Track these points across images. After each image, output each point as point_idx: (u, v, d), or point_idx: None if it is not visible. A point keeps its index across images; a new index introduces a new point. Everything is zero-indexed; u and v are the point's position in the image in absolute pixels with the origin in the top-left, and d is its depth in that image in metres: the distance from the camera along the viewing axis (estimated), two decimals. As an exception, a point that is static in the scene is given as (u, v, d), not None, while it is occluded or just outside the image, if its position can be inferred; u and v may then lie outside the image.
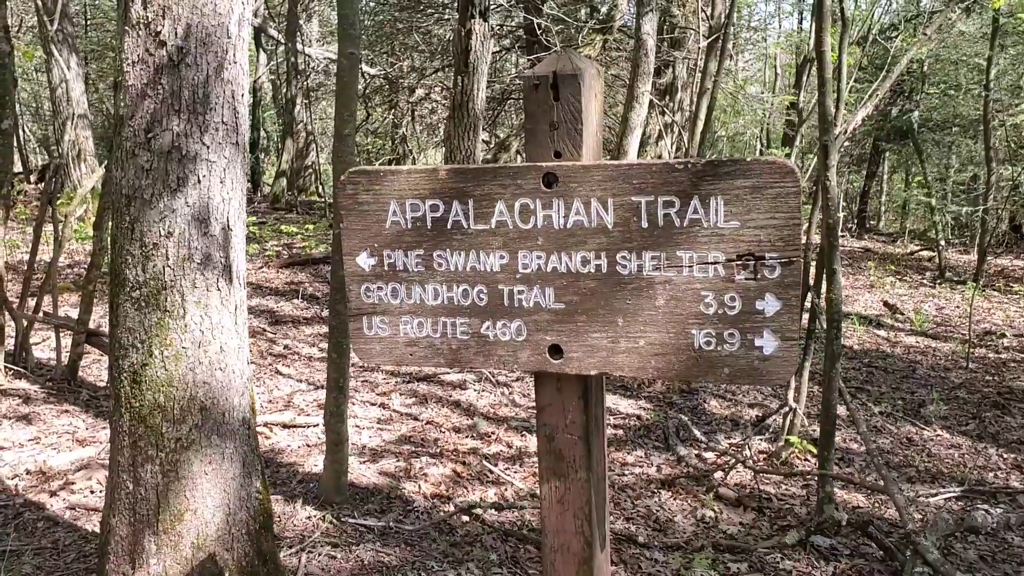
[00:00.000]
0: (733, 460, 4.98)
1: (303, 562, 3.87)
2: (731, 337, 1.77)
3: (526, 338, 1.97)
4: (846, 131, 4.94)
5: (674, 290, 1.80)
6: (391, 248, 2.03)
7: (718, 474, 4.98)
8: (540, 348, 1.96)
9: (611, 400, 6.54)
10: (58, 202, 7.65)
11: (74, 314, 6.89)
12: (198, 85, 2.88)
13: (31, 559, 3.82)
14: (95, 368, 6.43)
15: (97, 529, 4.17)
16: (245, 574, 3.25)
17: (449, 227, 1.98)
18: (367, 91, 17.42)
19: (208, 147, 2.92)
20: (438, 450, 5.31)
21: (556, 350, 1.95)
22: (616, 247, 1.83)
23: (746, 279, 1.74)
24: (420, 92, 17.14)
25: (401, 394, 6.47)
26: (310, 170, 18.89)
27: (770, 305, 1.74)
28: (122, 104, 2.89)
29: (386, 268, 2.05)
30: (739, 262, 1.75)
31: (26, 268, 6.12)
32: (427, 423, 5.83)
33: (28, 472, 4.67)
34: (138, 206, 2.91)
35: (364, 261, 2.06)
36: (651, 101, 9.38)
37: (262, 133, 20.55)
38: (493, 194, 1.92)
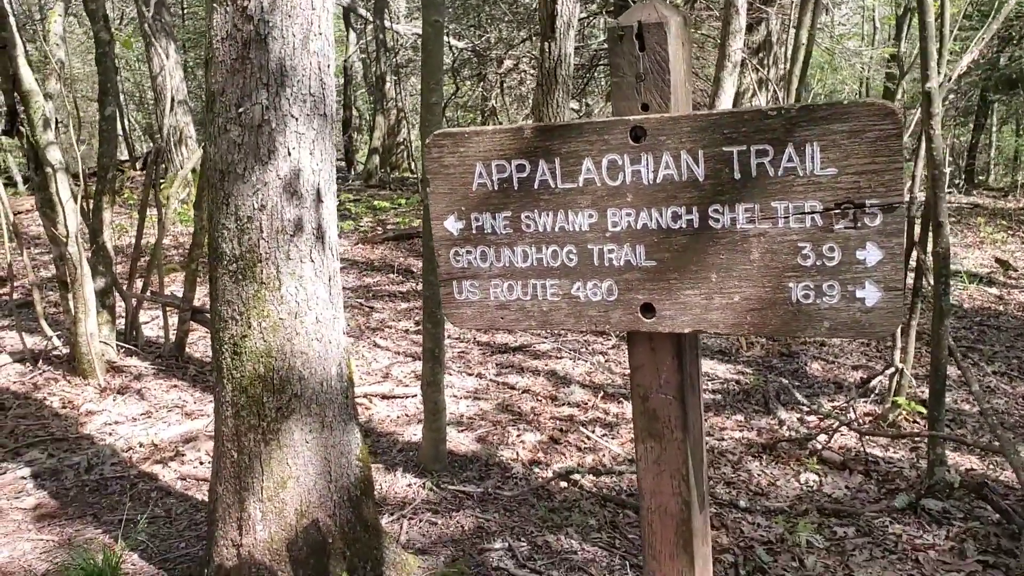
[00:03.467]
0: (837, 423, 4.83)
1: (404, 528, 3.94)
2: (831, 289, 1.69)
3: (617, 298, 1.92)
4: (950, 78, 4.69)
5: (769, 243, 1.73)
6: (478, 210, 2.01)
7: (821, 437, 4.85)
8: (632, 307, 1.91)
9: (708, 365, 6.43)
10: (161, 186, 7.91)
11: (179, 293, 7.14)
12: (285, 57, 2.90)
13: (146, 527, 3.99)
14: (201, 344, 6.65)
15: (206, 498, 4.33)
16: (348, 540, 3.32)
17: (536, 187, 1.94)
18: (455, 64, 17.45)
19: (297, 119, 2.96)
20: (534, 418, 5.32)
21: (648, 309, 1.90)
22: (708, 200, 1.76)
23: (845, 228, 1.66)
24: (508, 63, 17.05)
25: (496, 364, 6.50)
26: (402, 147, 19.08)
27: (871, 255, 1.65)
28: (212, 81, 2.94)
29: (474, 231, 2.03)
30: (838, 211, 1.66)
31: (133, 250, 6.35)
32: (523, 392, 5.84)
33: (141, 445, 4.86)
34: (231, 180, 2.97)
35: (452, 225, 2.04)
36: (743, 60, 9.11)
37: (354, 112, 20.78)
38: (580, 151, 1.88)
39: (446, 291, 2.09)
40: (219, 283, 3.08)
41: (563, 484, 4.39)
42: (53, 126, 5.23)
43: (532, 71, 16.52)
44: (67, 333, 6.46)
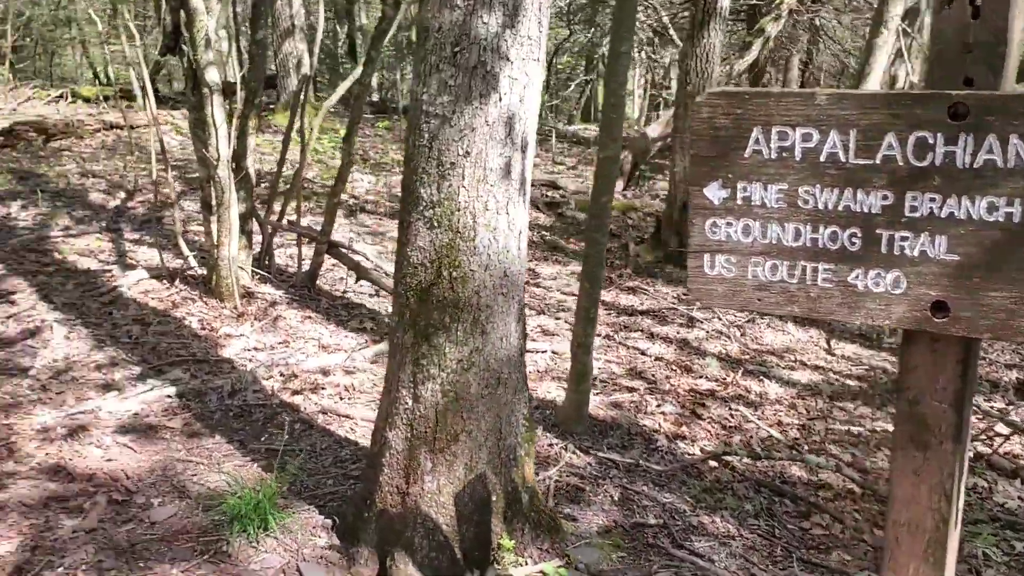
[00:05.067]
0: (1011, 430, 4.56)
1: (551, 490, 3.85)
2: None
3: (904, 291, 1.74)
4: None
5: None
6: (748, 180, 1.83)
7: (983, 438, 4.59)
8: (921, 304, 1.72)
9: (850, 349, 6.17)
10: (269, 114, 7.87)
11: (310, 223, 7.14)
12: (511, -4, 2.74)
13: (291, 459, 3.98)
14: (329, 276, 6.64)
15: (348, 435, 4.31)
16: (509, 500, 3.24)
17: (823, 159, 1.75)
18: (569, 7, 17.07)
19: (512, 63, 2.81)
20: (671, 388, 5.17)
21: (940, 307, 1.71)
22: (1038, 192, 1.56)
23: None
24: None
25: (625, 327, 6.35)
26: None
27: None
28: (429, 15, 2.80)
29: (739, 202, 1.85)
30: None
31: (272, 177, 6.33)
32: (655, 359, 5.69)
33: (281, 375, 4.87)
34: (437, 123, 2.84)
35: (714, 193, 1.87)
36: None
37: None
38: (883, 124, 1.68)
39: (695, 264, 1.93)
40: (412, 228, 2.98)
41: (713, 463, 4.24)
42: (213, 46, 5.19)
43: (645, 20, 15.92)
44: (203, 254, 6.52)
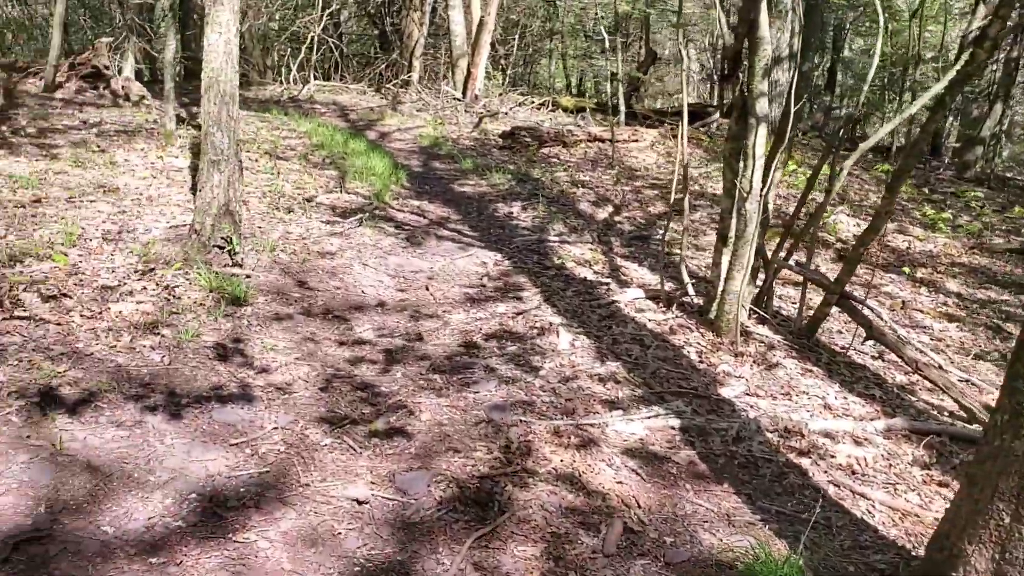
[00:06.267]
0: None
1: None
2: None
3: None
4: None
5: None
6: None
7: None
8: None
9: None
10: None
11: (822, 270, 6.75)
12: None
13: (804, 531, 3.64)
14: (825, 328, 6.20)
15: (866, 518, 3.88)
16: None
17: None
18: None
19: None
20: None
21: None
22: None
23: None
24: None
25: None
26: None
27: None
28: None
29: None
30: None
31: (791, 214, 6.04)
32: None
33: (787, 430, 4.55)
34: None
35: None
36: None
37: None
38: None
39: None
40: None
41: None
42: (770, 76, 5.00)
43: None
44: (701, 282, 6.43)
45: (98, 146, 8.09)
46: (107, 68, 10.32)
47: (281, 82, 16.13)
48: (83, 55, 10.59)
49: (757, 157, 5.05)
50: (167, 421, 4.05)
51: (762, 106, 4.99)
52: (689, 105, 17.03)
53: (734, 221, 5.42)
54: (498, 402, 4.57)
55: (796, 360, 5.43)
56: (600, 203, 9.44)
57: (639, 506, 3.77)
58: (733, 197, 5.39)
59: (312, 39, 16.08)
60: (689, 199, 6.14)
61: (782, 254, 5.91)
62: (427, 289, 6.41)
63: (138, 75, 11.19)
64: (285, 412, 4.32)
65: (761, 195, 5.12)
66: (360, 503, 3.60)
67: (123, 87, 10.18)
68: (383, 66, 17.57)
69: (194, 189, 6.35)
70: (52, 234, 5.67)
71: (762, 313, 5.83)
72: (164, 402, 4.20)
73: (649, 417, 4.53)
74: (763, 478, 4.11)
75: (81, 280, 5.15)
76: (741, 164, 5.25)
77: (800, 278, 6.21)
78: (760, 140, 5.04)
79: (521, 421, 4.36)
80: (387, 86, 16.47)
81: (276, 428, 4.14)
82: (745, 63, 5.01)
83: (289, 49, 17.16)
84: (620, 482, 3.93)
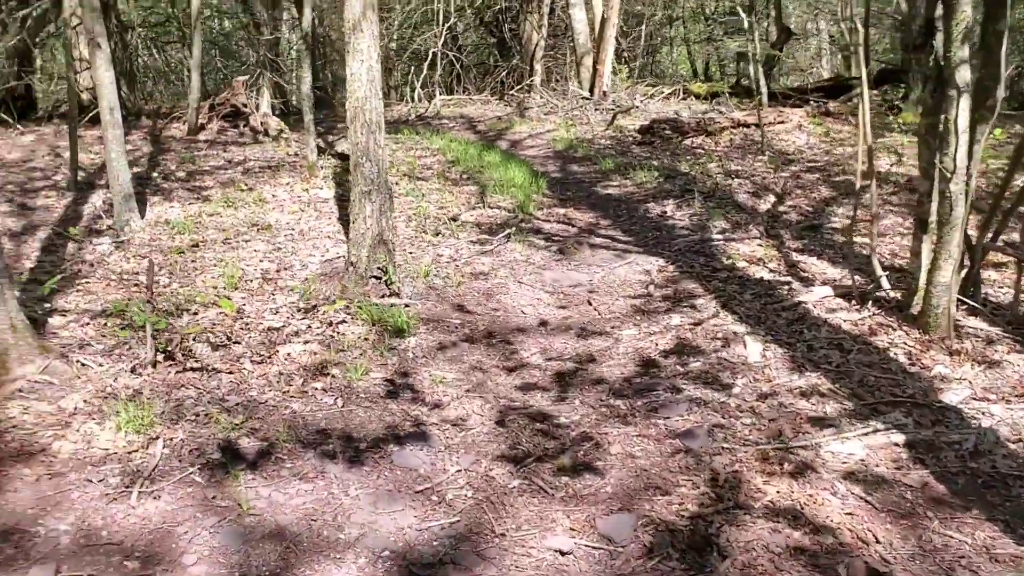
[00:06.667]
0: None
1: None
2: None
3: None
4: None
5: None
6: None
7: None
8: None
9: None
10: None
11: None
12: None
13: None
14: (1039, 314, 5.52)
15: None
16: None
17: None
18: None
19: None
20: None
21: None
22: None
23: None
24: None
25: None
26: None
27: None
28: None
29: None
30: None
31: (998, 190, 5.38)
32: None
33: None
34: None
35: None
36: None
37: None
38: None
39: None
40: None
41: None
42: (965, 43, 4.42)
43: None
44: (896, 274, 5.85)
45: (246, 184, 8.14)
46: (245, 106, 10.48)
47: (407, 101, 16.14)
48: (221, 95, 10.81)
49: (960, 132, 4.47)
50: (348, 469, 3.85)
51: (963, 75, 4.40)
52: (828, 80, 16.18)
53: (934, 205, 4.84)
54: (693, 428, 4.17)
55: (1018, 353, 4.80)
56: (759, 193, 8.85)
57: (878, 541, 3.29)
58: (931, 178, 4.81)
59: (433, 55, 16.03)
60: (876, 182, 5.57)
61: (989, 234, 5.26)
62: (590, 304, 6.06)
63: (272, 109, 11.35)
64: (465, 451, 4.06)
65: (967, 174, 4.53)
66: (563, 554, 3.28)
67: (262, 123, 10.31)
68: (503, 73, 17.39)
69: (343, 220, 6.24)
70: (213, 278, 5.63)
71: (972, 303, 5.20)
72: (342, 448, 4.01)
73: (867, 433, 4.03)
74: (1017, 499, 3.55)
75: (247, 324, 5.05)
76: (938, 140, 4.67)
77: (1008, 258, 5.54)
78: (963, 113, 4.45)
79: (724, 448, 3.95)
80: (510, 93, 16.27)
81: (459, 471, 3.89)
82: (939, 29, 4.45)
83: (412, 67, 17.16)
84: (849, 513, 3.47)
